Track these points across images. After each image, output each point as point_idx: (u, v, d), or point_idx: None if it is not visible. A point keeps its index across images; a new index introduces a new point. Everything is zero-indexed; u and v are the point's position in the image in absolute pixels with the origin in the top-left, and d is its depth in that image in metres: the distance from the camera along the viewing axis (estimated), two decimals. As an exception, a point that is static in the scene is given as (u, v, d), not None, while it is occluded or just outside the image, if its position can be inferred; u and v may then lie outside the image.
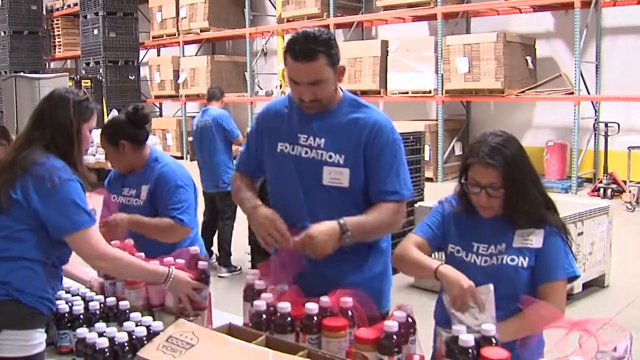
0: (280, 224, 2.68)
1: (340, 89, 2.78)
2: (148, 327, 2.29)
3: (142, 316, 2.48)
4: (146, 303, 2.79)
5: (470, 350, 1.94)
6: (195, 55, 19.73)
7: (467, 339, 1.94)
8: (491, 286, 2.28)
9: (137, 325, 2.31)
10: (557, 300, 2.43)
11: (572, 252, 2.51)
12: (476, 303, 2.22)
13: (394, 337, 2.03)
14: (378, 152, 2.69)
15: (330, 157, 2.70)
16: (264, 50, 17.80)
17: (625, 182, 11.23)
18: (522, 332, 2.31)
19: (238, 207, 3.04)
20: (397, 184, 2.70)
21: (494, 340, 2.01)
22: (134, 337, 2.25)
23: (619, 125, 11.80)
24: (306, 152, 2.73)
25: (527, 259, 2.46)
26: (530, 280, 2.47)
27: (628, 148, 10.92)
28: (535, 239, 2.47)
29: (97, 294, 2.84)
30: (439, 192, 8.17)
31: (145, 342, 2.22)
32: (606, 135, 11.90)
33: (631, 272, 7.06)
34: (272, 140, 2.82)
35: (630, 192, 10.90)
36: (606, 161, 11.87)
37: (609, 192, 11.46)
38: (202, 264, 2.79)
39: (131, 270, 2.70)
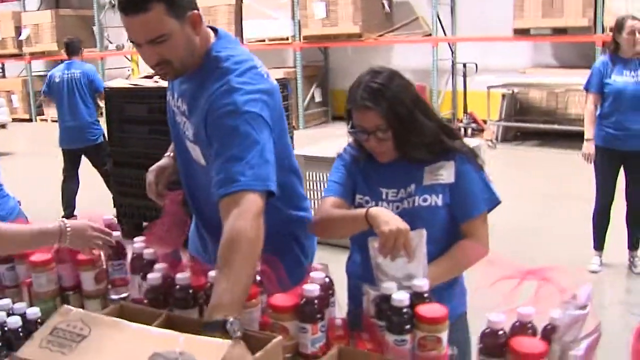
0: (150, 178, 2.43)
1: (217, 35, 2.24)
2: (23, 315, 1.93)
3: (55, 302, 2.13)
4: (58, 287, 2.26)
5: (404, 310, 1.73)
6: (38, 10, 18.42)
7: (402, 298, 1.71)
8: (424, 231, 2.05)
9: (8, 314, 1.94)
10: (480, 236, 2.28)
11: (486, 175, 2.33)
12: (406, 249, 1.96)
13: (316, 302, 1.78)
14: (215, 130, 2.06)
15: (188, 129, 2.22)
16: (112, 1, 16.83)
17: (485, 121, 11.50)
18: (448, 274, 2.19)
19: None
20: (238, 168, 1.96)
21: (426, 296, 1.81)
22: (6, 328, 1.88)
23: (476, 65, 12.04)
24: (177, 115, 2.30)
25: (440, 196, 2.25)
26: (448, 218, 2.28)
27: (487, 87, 11.15)
28: (446, 173, 2.26)
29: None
30: (301, 139, 8.06)
31: (21, 333, 1.87)
32: (464, 76, 12.12)
33: (500, 208, 7.10)
34: (168, 89, 2.43)
35: (490, 130, 11.18)
36: (465, 101, 12.11)
37: (469, 131, 11.72)
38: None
39: (16, 233, 2.13)
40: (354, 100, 2.21)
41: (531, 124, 11.44)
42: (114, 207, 6.99)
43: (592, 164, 5.36)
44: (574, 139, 10.59)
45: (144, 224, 6.67)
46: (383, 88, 2.18)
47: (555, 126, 10.99)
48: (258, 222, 1.91)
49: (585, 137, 5.33)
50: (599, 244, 5.56)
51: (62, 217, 7.33)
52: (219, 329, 1.66)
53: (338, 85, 14.90)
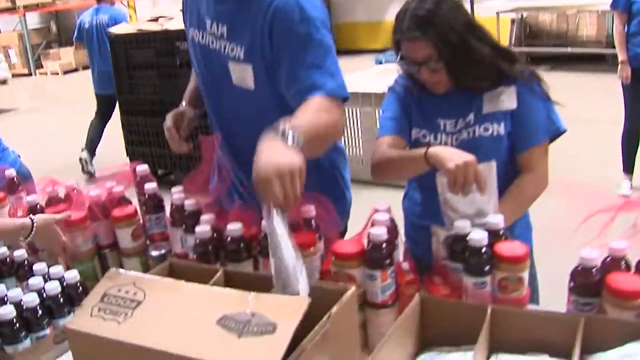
0: (168, 123, 2.25)
1: None
2: (61, 280, 1.77)
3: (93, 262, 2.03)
4: (95, 246, 2.11)
5: (484, 250, 1.56)
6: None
7: (480, 237, 1.55)
8: (493, 163, 1.86)
9: (45, 279, 1.78)
10: (538, 168, 2.12)
11: (550, 101, 2.14)
12: (478, 182, 1.78)
13: (384, 246, 1.61)
14: (284, 41, 1.96)
15: (233, 49, 2.06)
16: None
17: (495, 47, 11.21)
18: (508, 219, 1.99)
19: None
20: (318, 75, 1.91)
21: (502, 233, 1.65)
22: (44, 295, 1.73)
23: (483, -10, 11.74)
24: (212, 42, 2.13)
25: (502, 123, 2.08)
26: (512, 148, 2.12)
27: (496, 13, 10.84)
28: (507, 99, 2.08)
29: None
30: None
31: (62, 299, 1.72)
32: (472, 3, 11.78)
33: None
34: (187, 26, 2.27)
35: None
36: (474, 28, 11.80)
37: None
38: None
39: None
40: (401, 30, 2.04)
41: (542, 47, 11.15)
42: (126, 155, 6.83)
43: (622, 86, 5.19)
44: (586, 61, 10.37)
45: (159, 171, 6.53)
46: (430, 15, 2.00)
47: (568, 49, 10.71)
48: (340, 111, 1.92)
49: (620, 59, 5.13)
50: (628, 166, 5.42)
51: (82, 149, 7.26)
52: (277, 133, 1.57)
53: (342, 19, 14.60)
